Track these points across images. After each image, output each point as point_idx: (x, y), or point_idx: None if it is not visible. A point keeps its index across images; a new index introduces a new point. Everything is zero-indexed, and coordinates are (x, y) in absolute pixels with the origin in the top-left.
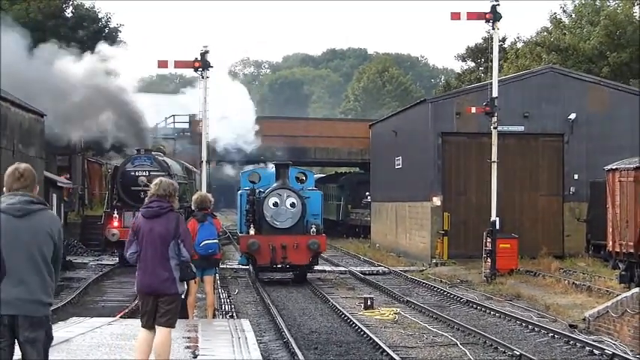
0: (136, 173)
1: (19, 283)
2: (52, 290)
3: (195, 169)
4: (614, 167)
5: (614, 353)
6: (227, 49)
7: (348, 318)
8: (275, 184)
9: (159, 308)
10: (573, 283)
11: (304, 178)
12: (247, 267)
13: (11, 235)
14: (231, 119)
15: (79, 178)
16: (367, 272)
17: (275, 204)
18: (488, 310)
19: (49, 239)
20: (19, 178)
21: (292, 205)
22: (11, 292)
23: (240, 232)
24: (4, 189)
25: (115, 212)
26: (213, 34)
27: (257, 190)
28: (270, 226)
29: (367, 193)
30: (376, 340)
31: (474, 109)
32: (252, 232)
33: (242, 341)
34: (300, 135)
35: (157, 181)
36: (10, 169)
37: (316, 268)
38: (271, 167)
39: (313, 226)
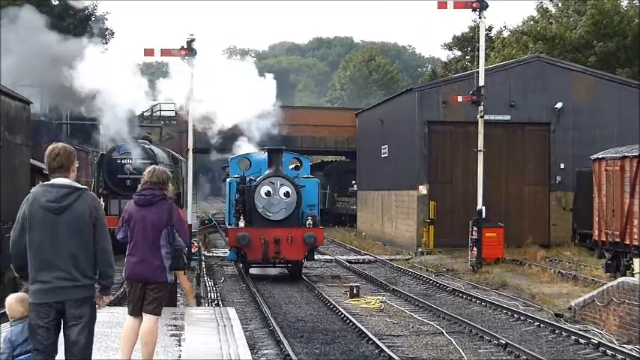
0: (122, 161)
1: (60, 272)
2: (93, 272)
3: (181, 157)
4: (600, 156)
5: (599, 342)
6: (213, 37)
7: (334, 306)
8: (267, 172)
9: (146, 296)
10: (559, 272)
11: (299, 164)
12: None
13: (51, 232)
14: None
15: None
16: (353, 261)
17: (267, 193)
18: (473, 299)
19: (87, 226)
20: (55, 157)
21: (286, 194)
22: (52, 281)
23: (229, 224)
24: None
25: (101, 200)
26: (199, 23)
27: (247, 178)
28: (262, 218)
29: (353, 182)
30: (362, 328)
31: (460, 98)
32: (242, 224)
33: (228, 329)
34: (286, 123)
35: (150, 168)
36: (48, 149)
37: None
38: (263, 153)
39: (309, 217)
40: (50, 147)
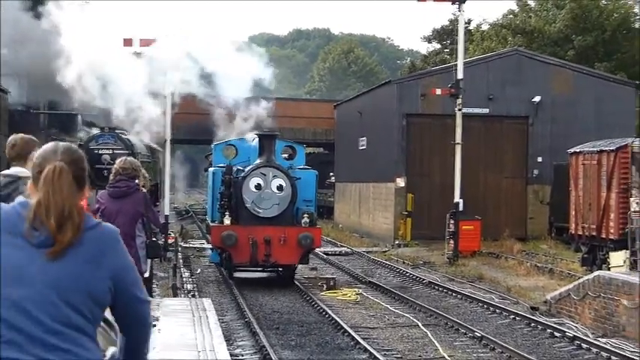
0: (99, 151)
1: None
2: None
3: (159, 148)
4: (577, 150)
5: (575, 335)
6: (193, 27)
7: (311, 298)
8: (258, 161)
9: None
10: (535, 265)
11: (293, 152)
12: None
13: None
14: None
15: None
16: (330, 253)
17: (257, 186)
18: (450, 292)
19: None
20: (12, 147)
21: (279, 188)
22: None
23: (212, 221)
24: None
25: None
26: (178, 13)
27: (235, 168)
28: (251, 215)
29: (331, 174)
30: (338, 320)
31: (438, 91)
32: (227, 221)
33: (203, 320)
34: (264, 115)
35: (121, 158)
36: (8, 140)
37: None
38: (252, 138)
39: (305, 215)
40: (10, 137)
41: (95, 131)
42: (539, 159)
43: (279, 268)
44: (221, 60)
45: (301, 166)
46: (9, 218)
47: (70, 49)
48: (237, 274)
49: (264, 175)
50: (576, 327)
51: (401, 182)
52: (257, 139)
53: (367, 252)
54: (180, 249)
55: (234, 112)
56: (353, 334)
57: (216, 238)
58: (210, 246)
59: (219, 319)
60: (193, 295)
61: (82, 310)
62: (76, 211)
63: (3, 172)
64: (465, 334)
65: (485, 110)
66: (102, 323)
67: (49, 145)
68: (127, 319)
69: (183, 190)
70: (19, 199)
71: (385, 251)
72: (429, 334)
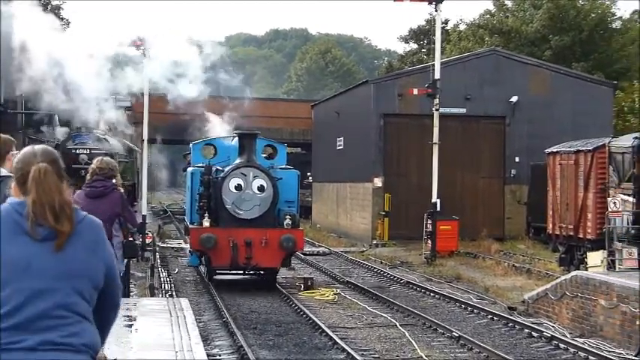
0: (77, 151)
1: None
2: None
3: (136, 148)
4: (554, 150)
5: (552, 335)
6: (170, 27)
7: (288, 298)
8: (238, 161)
9: None
10: (513, 265)
11: (273, 151)
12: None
13: None
14: None
15: None
16: (308, 253)
17: (238, 187)
18: (427, 292)
19: None
20: None
21: (260, 188)
22: None
23: (191, 223)
24: None
25: None
26: (155, 13)
27: (214, 168)
28: (231, 216)
29: (309, 174)
30: (315, 320)
31: (416, 91)
32: (206, 223)
33: (181, 320)
34: (241, 115)
35: (98, 158)
36: None
37: None
38: (232, 138)
39: (287, 216)
40: None
41: (63, 130)
42: (517, 159)
43: (261, 272)
44: (178, 56)
45: (282, 166)
46: (11, 217)
47: (31, 49)
48: (217, 277)
49: (245, 175)
50: (554, 327)
51: (378, 182)
52: (237, 139)
53: (345, 252)
54: (157, 249)
55: (203, 112)
56: (331, 334)
57: (195, 240)
58: (188, 247)
59: (196, 319)
60: (171, 295)
61: (85, 295)
62: (66, 205)
63: None
64: (443, 334)
65: (463, 110)
66: None
67: (27, 150)
68: (106, 302)
69: (165, 184)
70: (11, 199)
71: (363, 251)
72: (407, 334)
